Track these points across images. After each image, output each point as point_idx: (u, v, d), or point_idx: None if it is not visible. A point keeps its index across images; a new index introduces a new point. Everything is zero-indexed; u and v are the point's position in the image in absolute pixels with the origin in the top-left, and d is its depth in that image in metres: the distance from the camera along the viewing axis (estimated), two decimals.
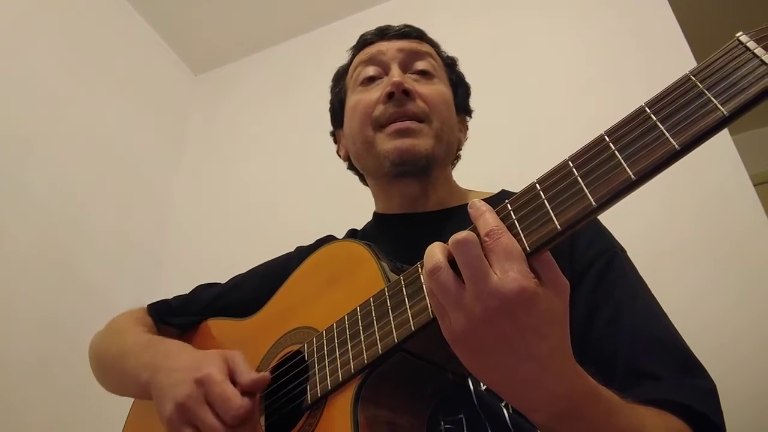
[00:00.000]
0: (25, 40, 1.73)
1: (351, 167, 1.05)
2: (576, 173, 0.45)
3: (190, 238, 2.08)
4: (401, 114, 0.88)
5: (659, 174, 0.41)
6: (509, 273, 0.45)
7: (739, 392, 1.03)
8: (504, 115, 1.69)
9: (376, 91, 0.92)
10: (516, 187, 0.51)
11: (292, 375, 0.68)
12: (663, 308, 0.73)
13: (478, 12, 2.03)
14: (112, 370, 0.89)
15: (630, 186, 0.42)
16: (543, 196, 0.47)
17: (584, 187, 0.44)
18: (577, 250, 0.76)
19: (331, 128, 1.09)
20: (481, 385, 0.67)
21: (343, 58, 1.07)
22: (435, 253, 0.49)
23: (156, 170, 2.18)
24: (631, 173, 0.42)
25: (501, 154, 1.62)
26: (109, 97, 2.02)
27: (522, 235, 0.47)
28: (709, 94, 0.40)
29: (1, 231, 1.50)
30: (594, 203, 0.43)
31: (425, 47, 0.99)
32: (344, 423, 0.57)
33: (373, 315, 0.59)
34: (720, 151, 1.40)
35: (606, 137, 0.45)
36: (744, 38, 0.40)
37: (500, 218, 0.48)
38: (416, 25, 1.02)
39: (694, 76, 0.42)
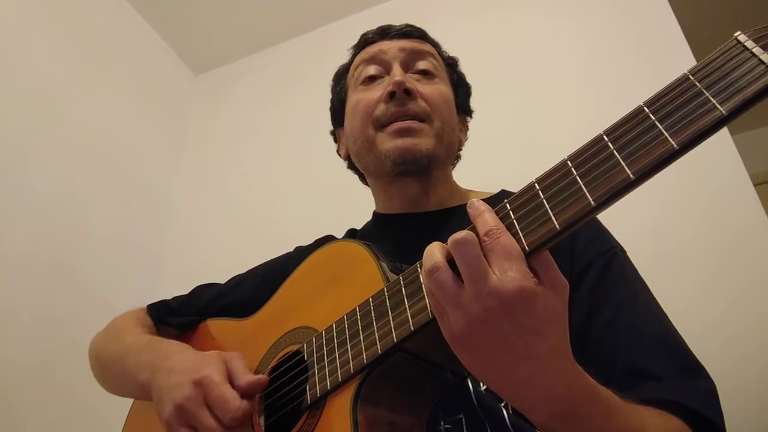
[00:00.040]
0: (25, 40, 1.73)
1: (351, 166, 1.05)
2: (575, 173, 0.45)
3: (190, 238, 2.08)
4: (402, 113, 0.88)
5: (658, 173, 0.41)
6: (508, 273, 0.44)
7: (739, 392, 1.03)
8: (504, 115, 1.69)
9: (378, 91, 0.92)
10: (516, 187, 0.51)
11: (291, 375, 0.68)
12: (663, 308, 0.73)
13: (478, 12, 2.03)
14: (111, 370, 0.89)
15: (629, 185, 0.42)
16: (542, 196, 0.47)
17: (583, 186, 0.44)
18: (576, 250, 0.76)
19: (331, 127, 1.09)
20: (481, 385, 0.67)
21: (343, 58, 1.07)
22: (434, 252, 0.49)
23: (156, 170, 2.18)
24: (629, 173, 0.42)
25: (501, 154, 1.62)
26: (109, 97, 2.02)
27: (521, 235, 0.47)
28: (707, 94, 0.40)
29: (0, 231, 1.50)
30: (593, 203, 0.43)
31: (427, 47, 0.99)
32: (344, 423, 0.57)
33: (373, 315, 0.59)
34: (720, 151, 1.40)
35: (605, 137, 0.45)
36: (742, 38, 0.40)
37: (499, 218, 0.48)
38: (416, 24, 1.02)
39: (692, 75, 0.42)
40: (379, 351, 0.56)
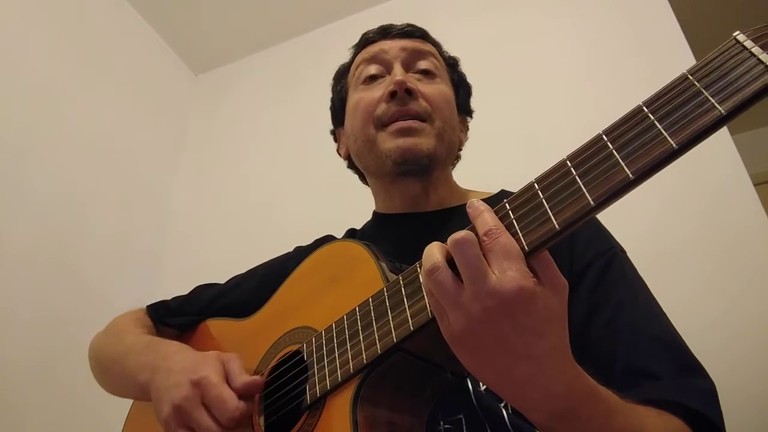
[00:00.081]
0: (25, 40, 1.73)
1: (351, 166, 1.05)
2: (574, 172, 0.45)
3: (190, 238, 2.08)
4: (404, 113, 0.88)
5: (658, 173, 0.41)
6: (508, 272, 0.44)
7: (739, 392, 1.03)
8: (504, 115, 1.69)
9: (379, 90, 0.92)
10: (516, 187, 0.51)
11: (291, 375, 0.68)
12: (663, 308, 0.73)
13: (478, 12, 2.03)
14: (111, 371, 0.89)
15: (628, 185, 0.42)
16: (541, 196, 0.47)
17: (582, 186, 0.44)
18: (576, 249, 0.76)
19: (331, 127, 1.09)
20: (481, 385, 0.67)
21: (343, 58, 1.07)
22: (433, 252, 0.49)
23: (156, 170, 2.18)
24: (629, 172, 0.42)
25: (501, 154, 1.62)
26: (109, 97, 2.02)
27: (520, 235, 0.47)
28: (706, 93, 0.40)
29: (0, 231, 1.50)
30: (592, 202, 0.43)
31: (428, 47, 0.99)
32: (343, 423, 0.57)
33: (372, 315, 0.59)
34: (720, 151, 1.39)
35: (604, 136, 0.45)
36: (741, 37, 0.40)
37: (499, 218, 0.48)
38: (417, 24, 1.01)
39: (691, 75, 0.42)
40: (379, 351, 0.56)
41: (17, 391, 1.42)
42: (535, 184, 0.48)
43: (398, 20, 1.02)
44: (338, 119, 1.04)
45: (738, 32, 0.41)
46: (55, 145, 1.74)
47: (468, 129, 1.06)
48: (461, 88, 1.03)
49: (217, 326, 0.91)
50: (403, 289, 0.57)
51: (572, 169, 0.46)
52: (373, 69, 0.96)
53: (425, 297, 0.53)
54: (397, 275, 0.59)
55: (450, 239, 0.47)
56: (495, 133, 1.58)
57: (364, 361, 0.58)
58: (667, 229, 1.37)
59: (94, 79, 1.97)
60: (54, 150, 1.73)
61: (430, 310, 0.51)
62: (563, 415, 0.50)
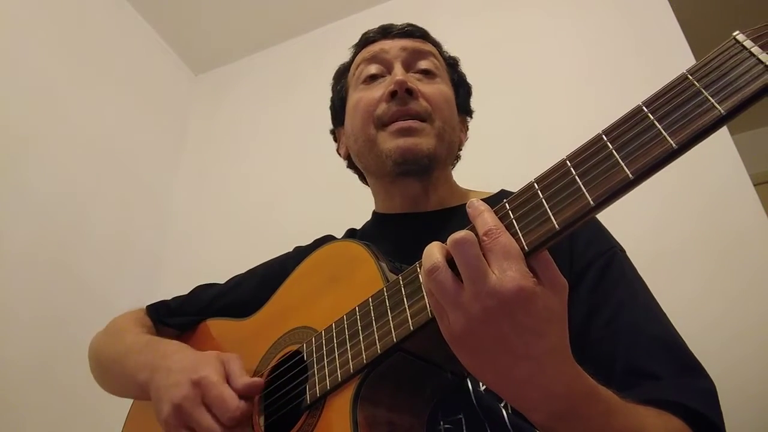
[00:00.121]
0: (25, 40, 1.73)
1: (351, 166, 1.05)
2: (574, 172, 0.45)
3: (190, 238, 2.08)
4: (404, 113, 0.88)
5: (657, 173, 0.41)
6: (507, 272, 0.44)
7: (739, 392, 1.03)
8: (504, 115, 1.69)
9: (379, 90, 0.92)
10: (516, 187, 0.51)
11: (291, 375, 0.68)
12: (662, 308, 0.73)
13: (478, 12, 2.03)
14: (111, 370, 0.89)
15: (628, 185, 0.42)
16: (541, 196, 0.47)
17: (582, 186, 0.44)
18: (576, 249, 0.76)
19: (331, 127, 1.09)
20: (481, 385, 0.67)
21: (343, 58, 1.07)
22: (433, 252, 0.49)
23: (156, 170, 2.18)
24: (628, 172, 0.42)
25: (501, 154, 1.62)
26: (109, 97, 2.02)
27: (520, 235, 0.47)
28: (706, 93, 0.40)
29: (0, 231, 1.50)
30: (592, 202, 0.43)
31: (428, 47, 0.99)
32: (343, 423, 0.57)
33: (372, 315, 0.59)
34: (720, 151, 1.39)
35: (603, 136, 0.45)
36: (741, 37, 0.40)
37: (498, 218, 0.48)
38: (417, 24, 1.01)
39: (691, 75, 0.42)
40: (379, 351, 0.56)
41: (17, 391, 1.42)
42: (535, 184, 0.48)
43: (398, 20, 1.02)
44: (338, 119, 1.04)
45: (738, 32, 0.41)
46: (55, 145, 1.74)
47: (468, 129, 1.06)
48: (461, 88, 1.03)
49: (217, 326, 0.91)
50: (403, 289, 0.57)
51: (572, 169, 0.46)
52: (373, 69, 0.96)
53: (425, 297, 0.53)
54: (397, 275, 0.59)
55: (450, 239, 0.47)
56: (495, 133, 1.58)
57: (364, 361, 0.58)
58: (667, 229, 1.37)
59: (94, 79, 1.97)
60: (54, 150, 1.73)
61: (430, 310, 0.51)
62: (563, 415, 0.50)
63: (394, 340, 0.55)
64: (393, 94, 0.88)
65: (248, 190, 2.10)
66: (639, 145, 0.42)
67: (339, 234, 1.02)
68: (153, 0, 2.25)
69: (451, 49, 1.06)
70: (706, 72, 0.41)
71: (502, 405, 0.66)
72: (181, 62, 2.48)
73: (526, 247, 0.46)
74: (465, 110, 1.04)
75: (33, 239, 1.58)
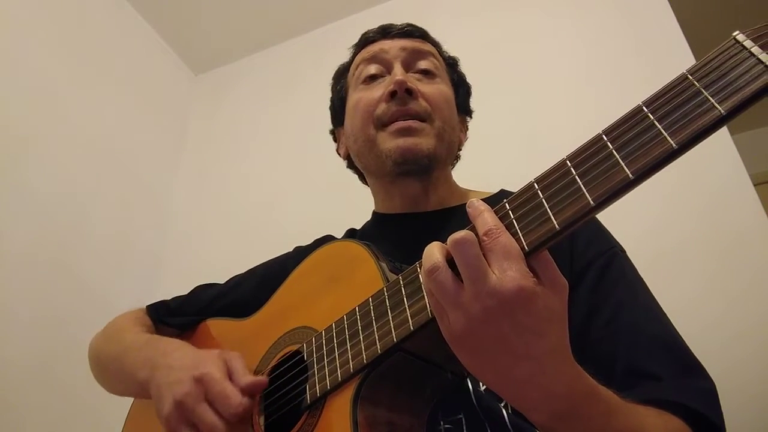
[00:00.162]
0: (25, 40, 1.73)
1: (350, 166, 1.05)
2: (574, 172, 0.45)
3: (190, 238, 2.08)
4: (404, 113, 0.88)
5: (657, 173, 0.41)
6: (508, 272, 0.44)
7: (739, 392, 1.03)
8: (504, 115, 1.69)
9: (379, 90, 0.92)
10: (516, 187, 0.51)
11: (291, 375, 0.68)
12: (663, 308, 0.73)
13: (478, 12, 2.03)
14: (110, 369, 0.89)
15: (628, 185, 0.42)
16: (541, 196, 0.47)
17: (582, 186, 0.44)
18: (576, 249, 0.76)
19: (330, 127, 1.09)
20: (481, 385, 0.67)
21: (343, 58, 1.07)
22: (433, 252, 0.49)
23: (155, 170, 2.18)
24: (629, 172, 0.42)
25: (501, 154, 1.62)
26: (109, 97, 2.02)
27: (520, 235, 0.47)
28: (706, 93, 0.40)
29: (0, 231, 1.50)
30: (592, 202, 0.43)
31: (428, 47, 0.99)
32: (343, 423, 0.57)
33: (372, 315, 0.59)
34: (720, 151, 1.39)
35: (604, 136, 0.45)
36: (741, 37, 0.40)
37: (498, 218, 0.48)
38: (417, 24, 1.01)
39: (691, 75, 0.42)
40: (379, 351, 0.56)
41: (17, 391, 1.42)
42: (535, 184, 0.48)
43: (398, 20, 1.02)
44: (338, 119, 1.04)
45: (737, 32, 0.41)
46: (55, 145, 1.74)
47: (467, 129, 1.06)
48: (461, 88, 1.03)
49: (217, 326, 0.91)
50: (403, 289, 0.57)
51: (572, 168, 0.46)
52: (373, 69, 0.96)
53: (425, 297, 0.53)
54: (397, 275, 0.59)
55: (450, 239, 0.47)
56: (495, 133, 1.58)
57: (364, 361, 0.58)
58: (667, 229, 1.37)
59: (94, 79, 1.97)
60: (54, 150, 1.73)
61: (430, 310, 0.51)
62: (564, 415, 0.50)
63: (395, 340, 0.55)
64: (393, 94, 0.88)
65: (248, 190, 2.10)
66: (639, 145, 0.42)
67: (339, 234, 1.02)
68: (153, 0, 2.25)
69: (450, 49, 1.06)
70: (706, 72, 0.41)
71: (502, 405, 0.66)
72: (181, 62, 2.47)
73: (526, 247, 0.46)
74: (465, 110, 1.04)
75: (33, 239, 1.58)
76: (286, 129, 2.16)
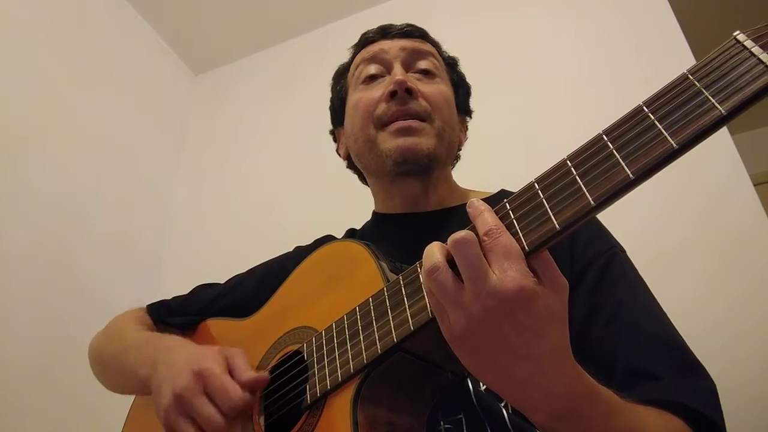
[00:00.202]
0: (25, 40, 1.73)
1: (350, 166, 1.05)
2: (574, 172, 0.45)
3: (190, 238, 2.08)
4: (404, 112, 0.88)
5: (658, 173, 0.41)
6: (508, 272, 0.44)
7: (739, 392, 1.03)
8: (504, 115, 1.69)
9: (378, 90, 0.92)
10: (516, 187, 0.51)
11: (291, 375, 0.68)
12: (663, 308, 0.73)
13: (478, 12, 2.03)
14: (111, 367, 0.89)
15: (628, 185, 0.42)
16: (541, 196, 0.47)
17: (582, 186, 0.44)
18: (576, 249, 0.76)
19: (330, 127, 1.09)
20: (481, 384, 0.67)
21: (343, 58, 1.07)
22: (434, 252, 0.49)
23: (155, 170, 2.18)
24: (629, 172, 0.42)
25: (501, 154, 1.62)
26: (109, 97, 2.02)
27: (521, 235, 0.47)
28: (706, 93, 0.40)
29: (0, 231, 1.50)
30: (592, 202, 0.43)
31: (427, 47, 0.99)
32: (344, 423, 0.57)
33: (372, 315, 0.59)
34: (720, 151, 1.39)
35: (604, 136, 0.45)
36: (741, 37, 0.40)
37: (499, 218, 0.48)
38: (417, 24, 1.01)
39: (691, 74, 0.42)
40: (379, 351, 0.56)
41: (17, 391, 1.42)
42: (536, 184, 0.48)
43: (398, 20, 1.02)
44: (338, 119, 1.04)
45: (738, 32, 0.41)
46: (55, 145, 1.74)
47: (467, 129, 1.06)
48: (460, 88, 1.03)
49: (217, 326, 0.91)
50: (403, 288, 0.57)
51: (572, 168, 0.46)
52: (372, 69, 0.96)
53: (425, 297, 0.53)
54: (397, 275, 0.59)
55: (450, 239, 0.47)
56: (495, 133, 1.58)
57: (365, 361, 0.58)
58: (667, 229, 1.37)
59: (94, 79, 1.97)
60: (54, 150, 1.73)
61: (431, 310, 0.51)
62: (564, 415, 0.50)
63: (395, 340, 0.55)
64: (393, 94, 0.88)
65: (248, 190, 2.10)
66: (639, 145, 0.42)
67: (339, 234, 1.02)
68: (153, 0, 2.25)
69: (450, 49, 1.06)
70: (706, 72, 0.41)
71: (502, 405, 0.66)
72: (181, 62, 2.47)
73: (526, 247, 0.46)
74: (464, 110, 1.04)
75: (33, 239, 1.58)
76: (286, 129, 2.16)
